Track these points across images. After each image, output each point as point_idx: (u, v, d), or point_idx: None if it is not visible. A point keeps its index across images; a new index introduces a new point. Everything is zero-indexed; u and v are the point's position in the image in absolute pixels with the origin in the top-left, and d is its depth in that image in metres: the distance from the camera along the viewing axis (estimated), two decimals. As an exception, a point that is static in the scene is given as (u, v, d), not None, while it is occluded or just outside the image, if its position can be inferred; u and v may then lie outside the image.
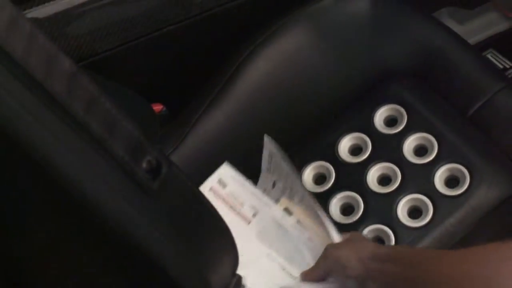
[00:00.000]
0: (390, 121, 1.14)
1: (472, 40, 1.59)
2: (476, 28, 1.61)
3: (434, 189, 1.07)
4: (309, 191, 1.02)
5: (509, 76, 1.55)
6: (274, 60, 1.16)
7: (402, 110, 1.13)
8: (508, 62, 1.58)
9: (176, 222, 0.53)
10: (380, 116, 1.14)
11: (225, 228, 0.58)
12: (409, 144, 1.11)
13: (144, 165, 0.49)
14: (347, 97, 1.18)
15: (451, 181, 1.08)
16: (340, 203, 1.09)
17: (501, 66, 1.57)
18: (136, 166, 0.49)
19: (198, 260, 0.54)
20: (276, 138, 1.13)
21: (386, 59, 1.20)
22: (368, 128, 1.14)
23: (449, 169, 1.08)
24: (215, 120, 1.12)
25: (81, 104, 0.48)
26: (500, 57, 1.58)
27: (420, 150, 1.11)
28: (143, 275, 0.55)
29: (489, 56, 1.58)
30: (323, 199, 1.09)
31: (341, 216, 1.08)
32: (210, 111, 1.12)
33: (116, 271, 0.57)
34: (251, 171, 1.08)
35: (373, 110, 1.15)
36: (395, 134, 1.12)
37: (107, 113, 0.49)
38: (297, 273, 0.92)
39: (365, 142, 1.13)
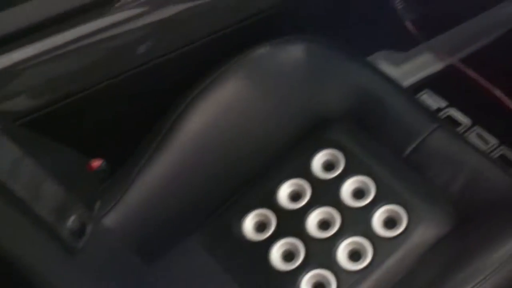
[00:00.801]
0: (328, 166, 1.16)
1: (408, 81, 1.62)
2: (412, 69, 1.65)
3: (373, 231, 1.09)
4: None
5: (445, 115, 1.59)
6: (212, 110, 1.17)
7: (340, 154, 1.16)
8: (444, 101, 1.62)
9: (101, 278, 0.53)
10: (318, 161, 1.16)
11: (148, 277, 0.59)
12: (347, 188, 1.13)
13: (69, 225, 0.50)
14: (285, 143, 1.20)
15: (389, 222, 1.10)
16: (281, 250, 1.10)
17: (436, 106, 1.61)
18: (60, 227, 0.50)
19: None
20: (217, 188, 1.15)
21: (322, 104, 1.22)
22: (306, 173, 1.15)
23: (387, 210, 1.10)
24: (156, 173, 1.13)
25: (4, 166, 0.48)
26: (436, 96, 1.62)
27: (358, 193, 1.13)
28: None
29: (425, 96, 1.62)
30: (264, 246, 1.10)
31: (283, 263, 1.09)
32: (150, 164, 1.12)
33: None
34: (191, 223, 1.10)
35: (311, 155, 1.16)
36: (333, 178, 1.14)
37: (32, 174, 0.50)
38: None
39: (304, 188, 1.14)
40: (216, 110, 1.17)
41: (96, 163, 1.09)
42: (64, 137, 0.99)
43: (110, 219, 1.07)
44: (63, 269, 0.50)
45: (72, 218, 0.51)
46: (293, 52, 1.24)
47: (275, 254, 1.10)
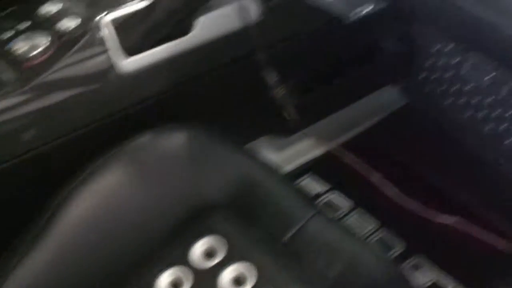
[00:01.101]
0: (209, 253, 1.17)
1: (290, 166, 1.67)
2: (294, 154, 1.70)
3: None
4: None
5: (326, 198, 1.64)
6: (92, 201, 1.17)
7: (220, 240, 1.17)
8: (326, 185, 1.67)
9: None
10: (198, 249, 1.17)
11: None
12: (227, 275, 1.14)
13: None
14: (166, 231, 1.20)
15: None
16: None
17: (319, 189, 1.66)
18: None
19: None
20: (97, 278, 1.14)
21: (203, 192, 1.24)
22: (187, 262, 1.16)
23: None
24: (34, 264, 1.11)
25: None
26: (318, 180, 1.67)
27: (239, 280, 1.14)
28: None
29: (307, 180, 1.67)
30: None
31: None
32: (29, 254, 1.11)
33: None
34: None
35: (191, 243, 1.17)
36: (215, 266, 1.15)
37: None
38: None
39: (184, 276, 1.14)
40: (96, 200, 1.17)
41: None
42: None
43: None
44: None
45: None
46: (174, 141, 1.26)
47: None
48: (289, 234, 1.20)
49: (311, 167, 1.70)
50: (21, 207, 1.17)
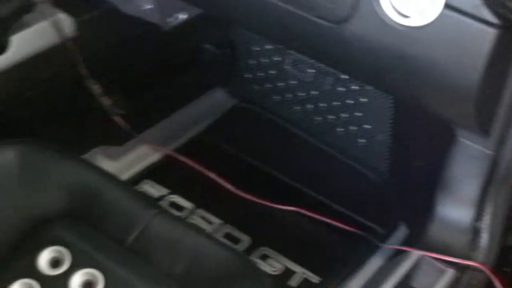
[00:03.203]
0: (55, 262, 1.17)
1: (127, 174, 1.68)
2: (130, 162, 1.70)
3: None
4: None
5: (167, 202, 1.66)
6: None
7: (64, 250, 1.17)
8: (165, 189, 1.68)
9: None
10: (43, 259, 1.17)
11: None
12: (75, 281, 1.14)
13: None
14: (7, 245, 1.19)
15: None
16: None
17: (159, 194, 1.67)
18: None
19: None
20: None
21: (40, 205, 1.23)
22: (34, 272, 1.15)
23: None
24: None
25: None
26: (157, 186, 1.69)
27: (87, 285, 1.14)
28: None
29: (146, 186, 1.68)
30: None
31: None
32: None
33: None
34: None
35: (36, 254, 1.17)
36: (61, 274, 1.15)
37: None
38: None
39: (33, 286, 1.14)
40: None
41: None
42: None
43: None
44: None
45: None
46: (5, 157, 1.24)
47: None
48: (133, 236, 1.21)
49: (148, 173, 1.71)
50: None
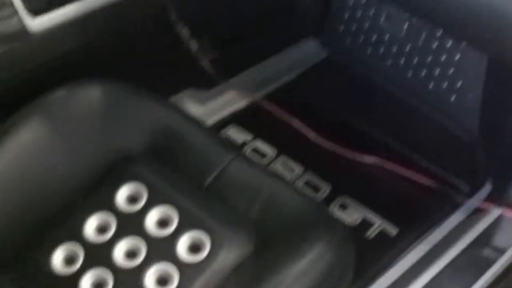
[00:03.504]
0: (132, 198, 1.21)
1: (213, 118, 1.71)
2: (216, 107, 1.73)
3: (179, 257, 1.14)
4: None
5: (251, 148, 1.68)
6: (10, 156, 1.20)
7: (143, 186, 1.21)
8: (249, 135, 1.71)
9: None
10: (122, 195, 1.21)
11: None
12: (151, 218, 1.18)
13: None
14: (88, 180, 1.24)
15: (194, 248, 1.15)
16: (90, 282, 1.13)
17: (242, 140, 1.69)
18: None
19: None
20: (24, 225, 1.17)
21: (122, 144, 1.27)
22: (112, 207, 1.20)
23: (191, 237, 1.16)
24: None
25: None
26: (241, 131, 1.71)
27: (163, 222, 1.18)
28: None
29: (231, 131, 1.71)
30: (74, 279, 1.13)
31: (93, 293, 1.13)
32: None
33: None
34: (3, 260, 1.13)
35: (115, 190, 1.21)
36: (138, 210, 1.19)
37: None
38: None
39: (110, 221, 1.18)
40: (14, 155, 1.20)
41: None
42: None
43: None
44: None
45: None
46: (90, 95, 1.28)
47: (85, 284, 1.13)
48: (210, 178, 1.24)
49: (233, 119, 1.73)
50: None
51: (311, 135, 1.70)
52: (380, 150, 1.70)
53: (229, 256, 1.14)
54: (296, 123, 1.72)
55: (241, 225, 1.18)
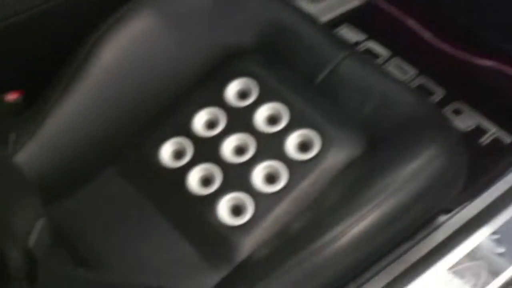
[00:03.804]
0: (242, 94, 1.20)
1: (328, 16, 1.67)
2: (331, 4, 1.69)
3: (288, 155, 1.13)
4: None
5: (364, 47, 1.64)
6: (123, 44, 1.19)
7: (253, 82, 1.19)
8: (363, 35, 1.66)
9: None
10: (231, 90, 1.20)
11: (20, 173, 0.61)
12: (261, 114, 1.17)
13: None
14: (198, 74, 1.23)
15: (303, 146, 1.14)
16: (198, 175, 1.14)
17: (356, 39, 1.65)
18: None
19: None
20: (132, 118, 1.18)
21: (233, 37, 1.25)
22: (221, 102, 1.19)
23: (301, 135, 1.14)
24: (70, 105, 1.14)
25: None
26: (355, 30, 1.67)
27: (272, 119, 1.17)
28: None
29: (344, 30, 1.67)
30: (182, 173, 1.14)
31: (200, 188, 1.13)
32: (64, 96, 1.14)
33: None
34: (109, 154, 1.13)
35: (225, 85, 1.20)
36: (248, 106, 1.18)
37: None
38: None
39: (219, 115, 1.18)
40: (127, 42, 1.19)
41: (12, 96, 1.11)
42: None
43: (26, 151, 1.10)
44: None
45: None
46: None
47: (193, 179, 1.13)
48: (322, 75, 1.21)
49: (348, 18, 1.68)
50: (57, 51, 1.19)
51: (427, 36, 1.64)
52: (499, 54, 1.62)
53: (338, 156, 1.12)
54: (412, 24, 1.66)
55: (352, 125, 1.16)
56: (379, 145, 1.13)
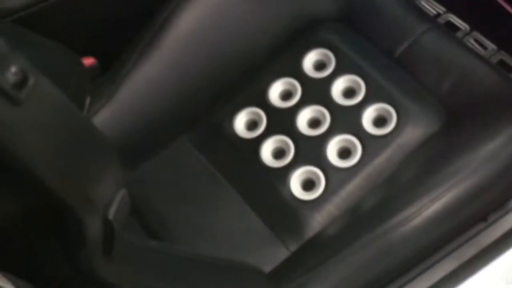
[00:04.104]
0: (319, 65, 1.18)
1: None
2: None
3: (363, 129, 1.10)
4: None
5: (443, 20, 1.59)
6: (203, 10, 1.17)
7: (330, 53, 1.17)
8: (441, 8, 1.61)
9: (48, 133, 0.54)
10: (308, 61, 1.17)
11: (104, 142, 0.60)
12: (337, 87, 1.14)
13: (10, 76, 0.50)
14: (276, 44, 1.21)
15: (379, 121, 1.12)
16: (271, 147, 1.12)
17: (434, 12, 1.60)
18: (1, 76, 0.49)
19: (75, 172, 0.56)
20: (208, 86, 1.16)
21: (312, 6, 1.22)
22: (298, 73, 1.17)
23: (377, 109, 1.12)
24: (146, 70, 1.13)
25: None
26: (434, 3, 1.62)
27: (349, 92, 1.14)
28: (25, 189, 0.57)
29: (423, 2, 1.62)
30: (255, 144, 1.13)
31: (273, 160, 1.12)
32: (140, 61, 1.13)
33: None
34: (183, 122, 1.12)
35: (302, 55, 1.18)
36: (324, 78, 1.16)
37: None
38: None
39: (295, 87, 1.16)
40: (206, 9, 1.17)
41: (88, 60, 1.11)
42: (56, 35, 1.00)
43: (101, 116, 1.09)
44: (9, 117, 0.51)
45: (13, 69, 0.50)
46: None
47: (266, 151, 1.12)
48: (402, 48, 1.17)
49: (427, -11, 1.64)
50: (132, 16, 1.18)
51: (509, 10, 1.58)
52: None
53: (415, 132, 1.10)
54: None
55: (430, 100, 1.12)
56: (457, 122, 1.10)
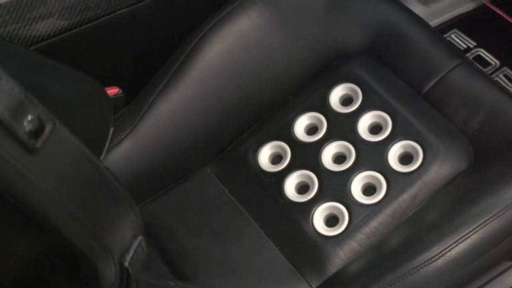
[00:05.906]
0: (346, 100, 1.16)
1: (437, 21, 1.61)
2: (441, 9, 1.63)
3: (388, 166, 1.09)
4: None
5: (473, 55, 1.58)
6: (229, 41, 1.16)
7: (357, 88, 1.15)
8: (472, 42, 1.60)
9: (63, 181, 0.53)
10: (335, 95, 1.16)
11: (120, 190, 0.60)
12: (363, 122, 1.13)
13: (26, 123, 0.49)
14: (302, 77, 1.20)
15: (405, 158, 1.10)
16: (295, 182, 1.11)
17: (464, 46, 1.59)
18: (16, 124, 0.49)
19: (91, 220, 0.56)
20: (233, 119, 1.15)
21: (342, 38, 1.21)
22: (324, 107, 1.16)
23: (403, 146, 1.10)
24: (171, 101, 1.13)
25: None
26: (464, 37, 1.61)
27: (375, 128, 1.13)
28: (38, 236, 0.57)
29: (453, 36, 1.61)
30: (279, 178, 1.11)
31: (296, 194, 1.10)
32: (166, 92, 1.13)
33: (9, 231, 0.59)
34: (207, 153, 1.11)
35: (329, 89, 1.17)
36: (350, 113, 1.14)
37: None
38: None
39: (321, 121, 1.15)
40: (233, 40, 1.17)
41: (112, 90, 1.11)
42: (81, 64, 1.00)
43: (124, 147, 1.09)
44: (24, 166, 0.50)
45: (30, 116, 0.50)
46: None
47: (289, 185, 1.11)
48: (431, 84, 1.15)
49: (457, 23, 1.62)
50: (158, 48, 1.18)
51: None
52: None
53: (442, 170, 1.08)
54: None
55: (458, 139, 1.11)
56: (485, 161, 1.08)
